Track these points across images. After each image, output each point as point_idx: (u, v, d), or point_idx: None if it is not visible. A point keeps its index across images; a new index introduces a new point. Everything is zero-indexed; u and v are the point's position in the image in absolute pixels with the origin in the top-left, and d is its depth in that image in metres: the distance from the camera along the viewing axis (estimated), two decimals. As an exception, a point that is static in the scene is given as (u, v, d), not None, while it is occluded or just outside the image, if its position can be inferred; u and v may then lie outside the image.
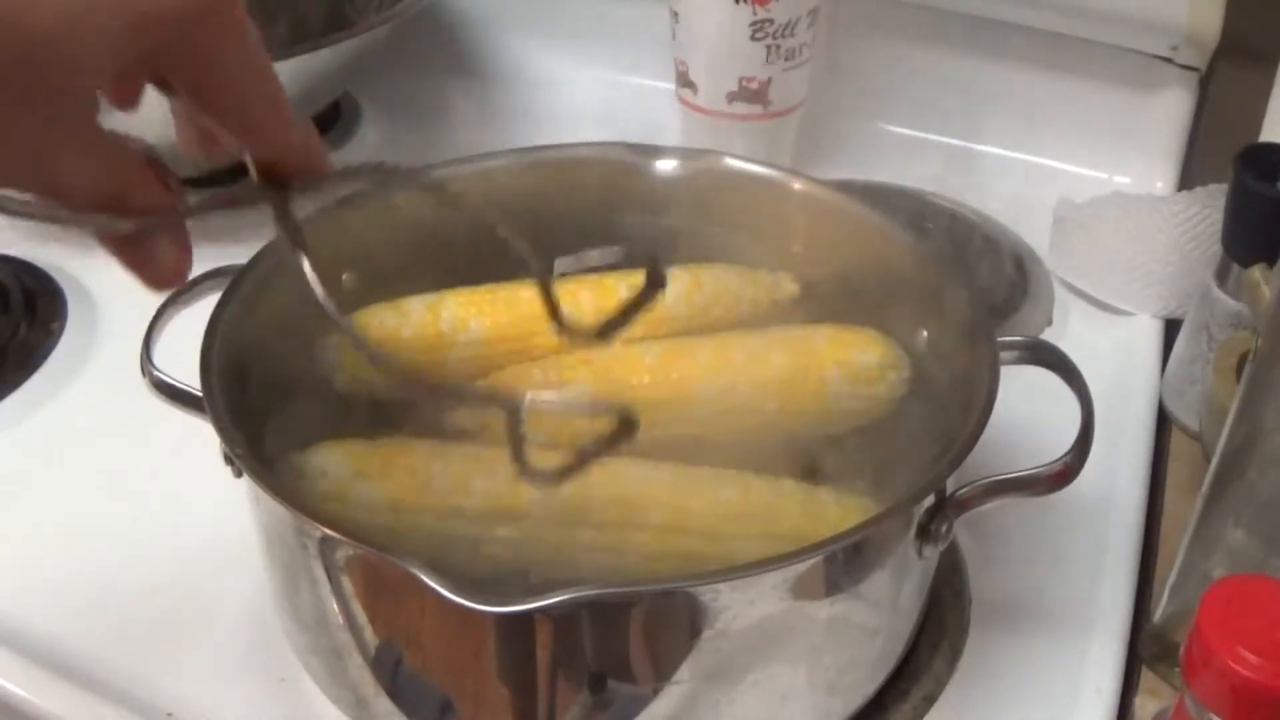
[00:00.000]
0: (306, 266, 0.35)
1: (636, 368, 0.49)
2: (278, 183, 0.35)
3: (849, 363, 0.50)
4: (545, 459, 0.36)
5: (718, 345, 0.51)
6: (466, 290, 0.52)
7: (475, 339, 0.50)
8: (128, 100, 0.35)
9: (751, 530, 0.43)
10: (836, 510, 0.44)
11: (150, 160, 0.34)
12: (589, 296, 0.51)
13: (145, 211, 0.33)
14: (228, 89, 0.33)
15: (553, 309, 0.37)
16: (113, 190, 0.32)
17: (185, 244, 0.35)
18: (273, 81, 0.34)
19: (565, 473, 0.36)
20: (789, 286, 0.54)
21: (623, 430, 0.36)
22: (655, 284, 0.37)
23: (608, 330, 0.37)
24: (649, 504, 0.43)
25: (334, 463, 0.44)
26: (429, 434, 0.46)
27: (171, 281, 0.35)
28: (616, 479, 0.44)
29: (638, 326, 0.50)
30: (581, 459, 0.36)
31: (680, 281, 0.53)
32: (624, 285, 0.51)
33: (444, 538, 0.43)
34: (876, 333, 0.51)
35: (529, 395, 0.37)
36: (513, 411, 0.36)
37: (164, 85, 0.34)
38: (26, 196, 0.31)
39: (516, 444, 0.36)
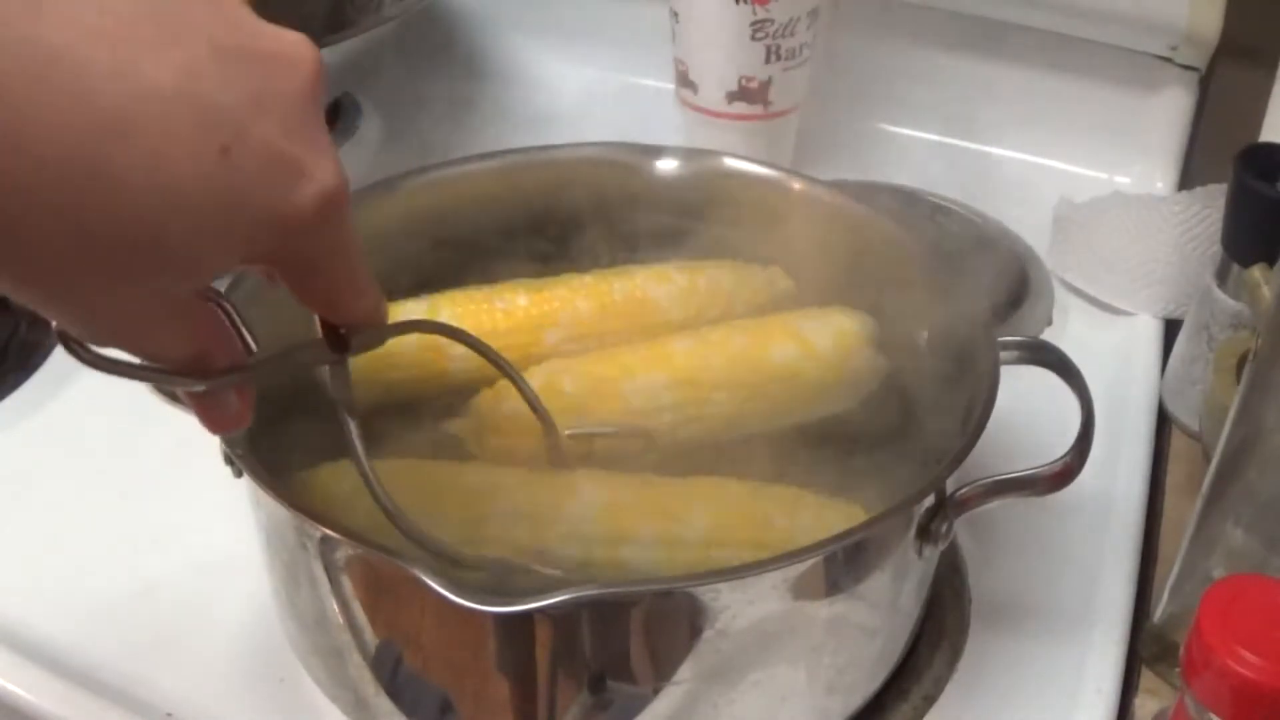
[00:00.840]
0: (353, 430, 0.38)
1: (620, 370, 0.49)
2: (340, 343, 0.36)
3: (800, 335, 0.50)
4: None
5: (693, 341, 0.51)
6: (463, 295, 0.52)
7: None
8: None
9: (740, 538, 0.43)
10: (833, 515, 0.44)
11: (230, 318, 0.35)
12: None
13: (223, 371, 0.34)
14: (325, 281, 0.34)
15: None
16: (199, 353, 0.32)
17: (250, 394, 0.36)
18: (363, 262, 0.34)
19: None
20: (783, 282, 0.54)
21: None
22: None
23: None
24: (638, 518, 0.43)
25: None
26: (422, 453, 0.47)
27: (232, 428, 0.36)
28: (603, 492, 0.44)
29: (634, 328, 0.51)
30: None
31: (675, 283, 0.53)
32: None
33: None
34: (838, 308, 0.51)
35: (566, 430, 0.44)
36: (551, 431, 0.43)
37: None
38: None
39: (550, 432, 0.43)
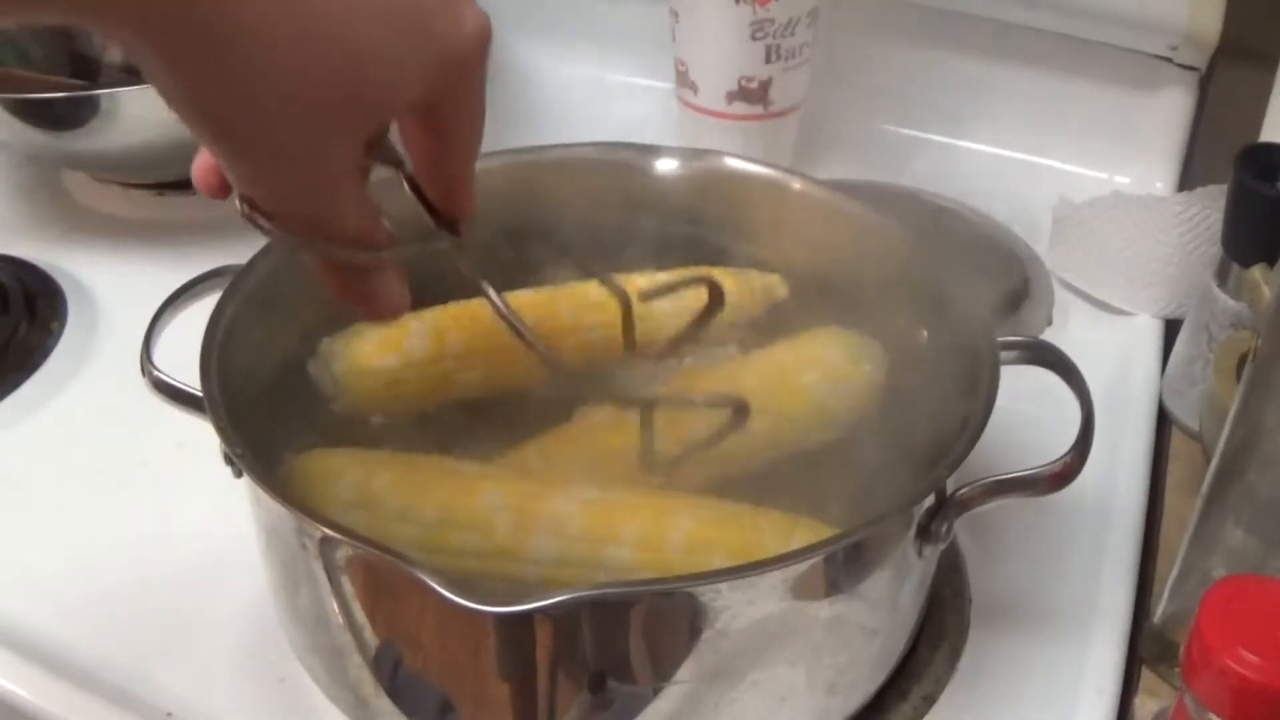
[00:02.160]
0: (492, 293, 0.42)
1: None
2: (454, 229, 0.39)
3: (823, 360, 0.50)
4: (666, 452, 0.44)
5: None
6: (464, 309, 0.52)
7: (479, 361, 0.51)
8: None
9: (727, 546, 0.42)
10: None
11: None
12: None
13: (379, 247, 0.36)
14: (463, 140, 0.37)
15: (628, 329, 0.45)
16: (366, 226, 0.35)
17: (404, 281, 0.39)
18: (481, 134, 0.37)
19: (682, 461, 0.44)
20: (780, 290, 0.54)
21: (737, 418, 0.44)
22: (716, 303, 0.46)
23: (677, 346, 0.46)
24: (624, 516, 0.43)
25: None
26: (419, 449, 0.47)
27: (398, 312, 0.39)
28: (590, 489, 0.44)
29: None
30: (696, 449, 0.44)
31: (674, 296, 0.53)
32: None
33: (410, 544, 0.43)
34: (839, 329, 0.51)
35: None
36: (645, 407, 0.44)
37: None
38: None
39: (646, 440, 0.45)
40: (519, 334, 0.43)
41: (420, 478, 0.44)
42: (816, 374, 0.50)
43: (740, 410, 0.45)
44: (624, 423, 0.46)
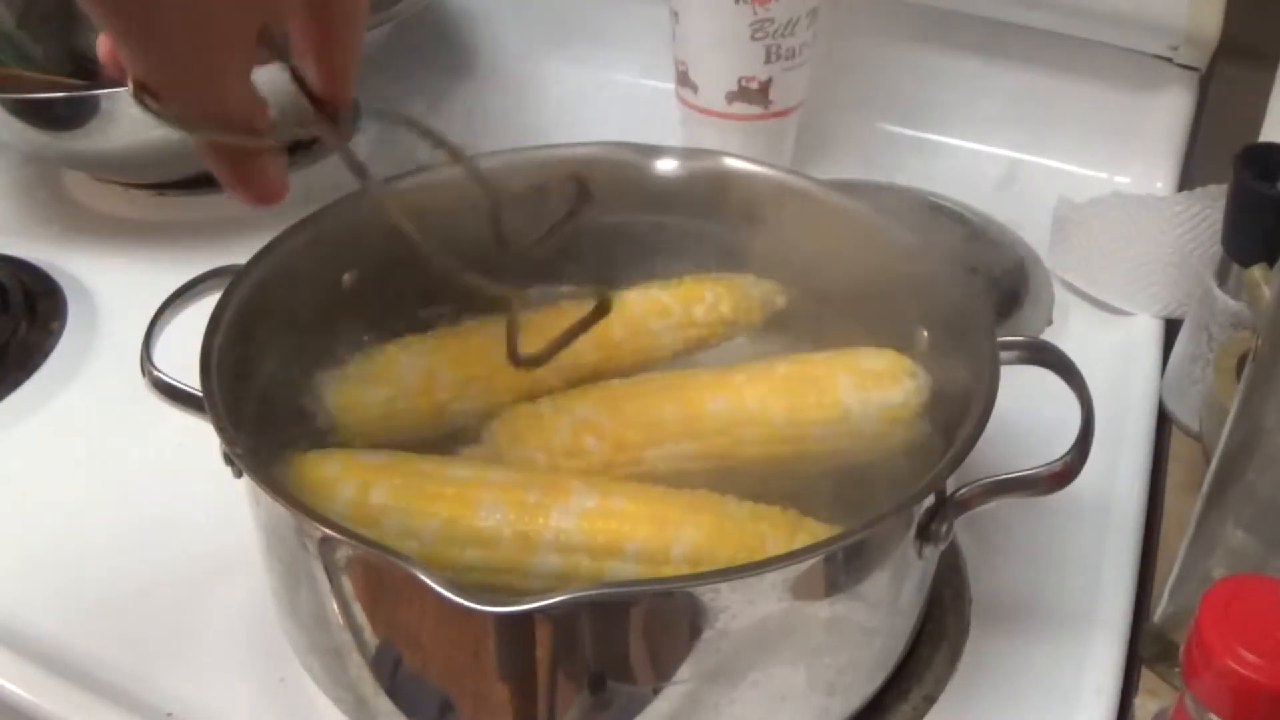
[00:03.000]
0: (368, 177, 0.40)
1: (649, 404, 0.49)
2: (331, 115, 0.40)
3: (858, 368, 0.49)
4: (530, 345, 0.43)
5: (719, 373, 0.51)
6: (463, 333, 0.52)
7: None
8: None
9: (729, 557, 0.42)
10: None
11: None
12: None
13: (260, 133, 0.37)
14: (346, 25, 0.38)
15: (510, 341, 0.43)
16: (252, 108, 0.37)
17: (284, 168, 0.40)
18: (364, 18, 0.39)
19: (548, 355, 0.43)
20: (778, 299, 0.54)
21: (598, 312, 0.44)
22: (602, 310, 0.44)
23: (548, 355, 0.44)
24: (629, 525, 0.43)
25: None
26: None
27: (279, 196, 0.40)
28: (594, 497, 0.44)
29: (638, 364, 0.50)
30: (561, 343, 0.44)
31: (672, 315, 0.53)
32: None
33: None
34: (890, 350, 0.50)
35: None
36: (515, 300, 0.43)
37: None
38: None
39: (511, 333, 0.43)
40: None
41: (418, 486, 0.44)
42: (853, 386, 0.49)
43: (603, 301, 0.44)
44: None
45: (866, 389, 0.49)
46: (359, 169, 0.40)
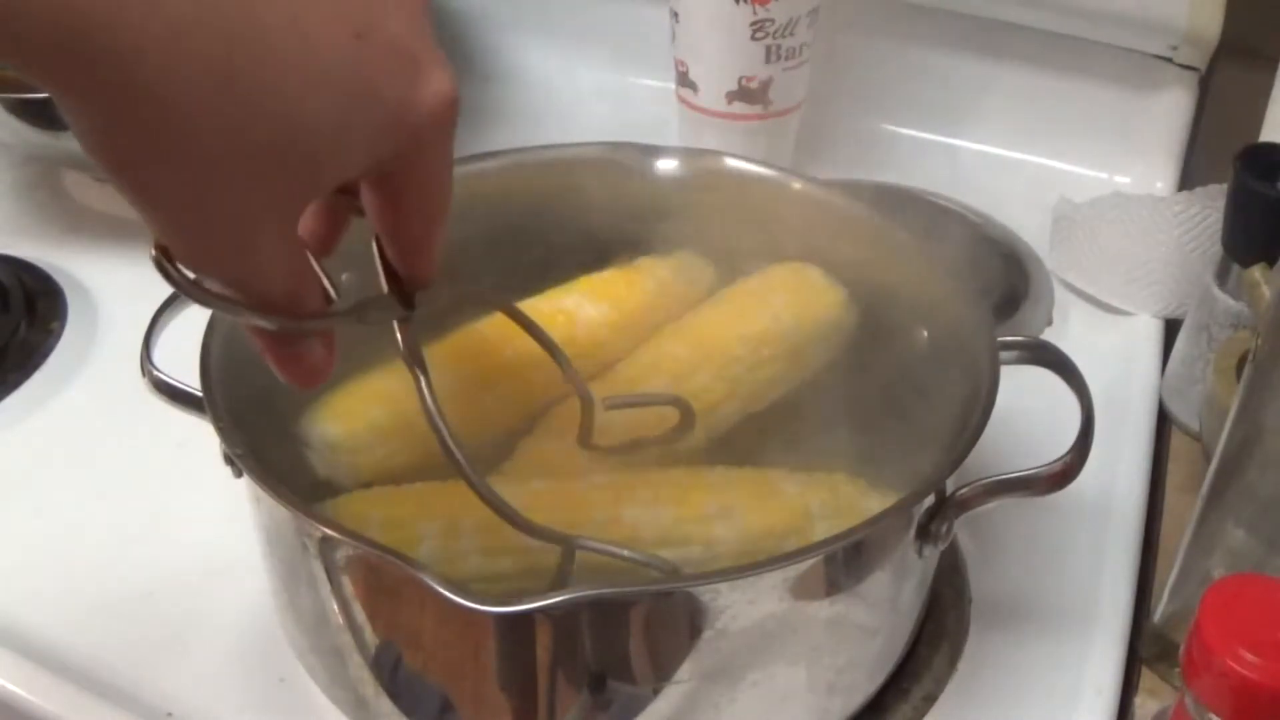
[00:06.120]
0: (424, 387, 0.37)
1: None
2: (407, 300, 0.36)
3: (792, 285, 0.52)
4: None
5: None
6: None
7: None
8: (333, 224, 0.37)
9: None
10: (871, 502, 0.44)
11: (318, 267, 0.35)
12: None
13: (309, 316, 0.33)
14: (420, 211, 0.34)
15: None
16: (293, 289, 0.32)
17: (333, 345, 0.36)
18: (448, 205, 0.34)
19: (620, 451, 0.44)
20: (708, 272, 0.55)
21: (684, 423, 0.45)
22: (686, 424, 0.46)
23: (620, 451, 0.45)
24: (641, 519, 0.43)
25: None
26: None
27: (315, 381, 0.35)
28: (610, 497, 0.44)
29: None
30: (635, 446, 0.45)
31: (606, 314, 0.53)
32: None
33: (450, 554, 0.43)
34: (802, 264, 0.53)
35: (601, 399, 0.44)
36: (587, 404, 0.43)
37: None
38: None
39: (585, 424, 0.44)
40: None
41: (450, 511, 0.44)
42: (784, 298, 0.52)
43: (686, 411, 0.45)
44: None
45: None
46: (418, 363, 0.36)
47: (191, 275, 0.30)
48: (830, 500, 0.44)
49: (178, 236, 0.29)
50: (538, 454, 0.47)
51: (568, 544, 0.40)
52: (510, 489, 0.39)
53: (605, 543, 0.41)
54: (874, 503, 0.43)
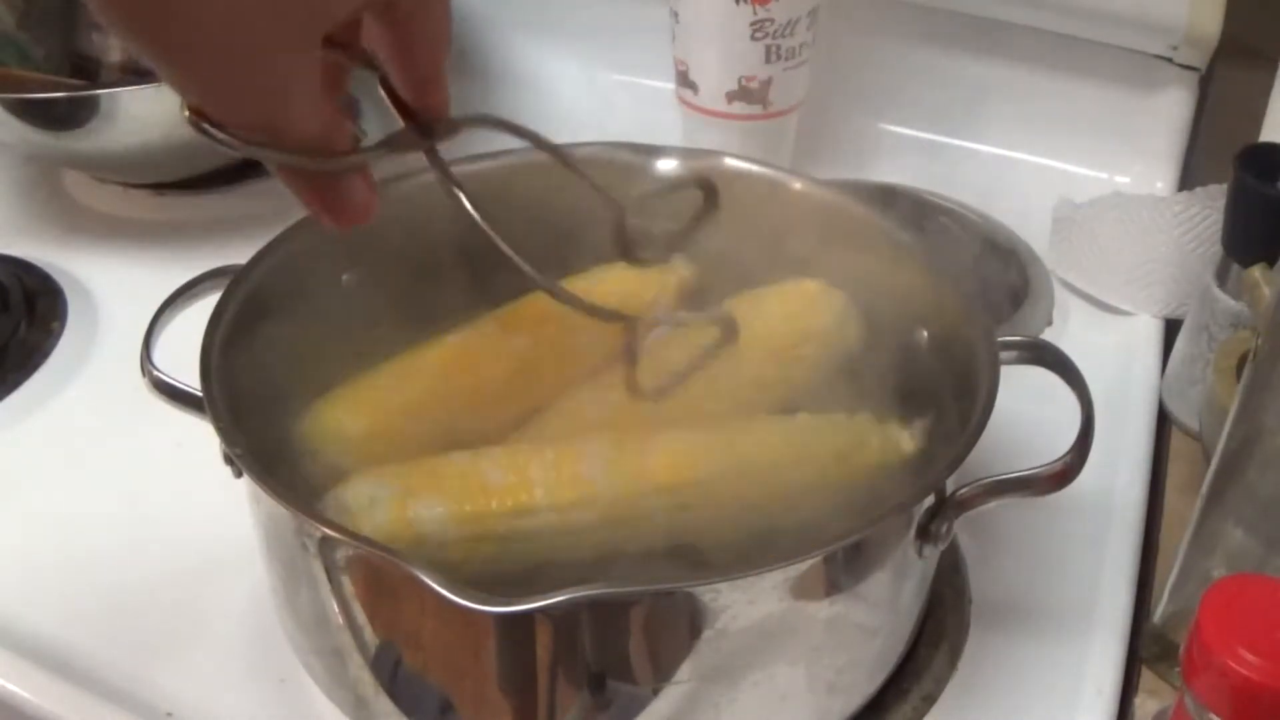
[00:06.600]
0: (466, 202, 0.38)
1: None
2: (426, 132, 0.37)
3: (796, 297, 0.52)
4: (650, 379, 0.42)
5: None
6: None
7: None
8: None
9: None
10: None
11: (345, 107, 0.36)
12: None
13: (340, 154, 0.34)
14: (430, 39, 0.35)
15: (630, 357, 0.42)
16: (325, 130, 0.33)
17: (373, 185, 0.36)
18: (450, 29, 0.36)
19: (670, 388, 0.43)
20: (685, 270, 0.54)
21: (728, 335, 0.44)
22: (730, 336, 0.44)
23: (670, 388, 0.43)
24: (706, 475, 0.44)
25: (378, 488, 0.43)
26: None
27: (364, 218, 0.36)
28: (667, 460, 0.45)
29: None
30: (685, 374, 0.43)
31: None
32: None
33: (522, 535, 0.43)
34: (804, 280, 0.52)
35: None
36: (631, 327, 0.42)
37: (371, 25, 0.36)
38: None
39: (629, 362, 0.42)
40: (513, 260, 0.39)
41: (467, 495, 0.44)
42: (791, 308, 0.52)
43: (729, 327, 0.44)
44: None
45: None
46: (455, 184, 0.38)
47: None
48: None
49: (203, 86, 0.31)
50: (589, 405, 0.48)
51: (630, 323, 0.41)
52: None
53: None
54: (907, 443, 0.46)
